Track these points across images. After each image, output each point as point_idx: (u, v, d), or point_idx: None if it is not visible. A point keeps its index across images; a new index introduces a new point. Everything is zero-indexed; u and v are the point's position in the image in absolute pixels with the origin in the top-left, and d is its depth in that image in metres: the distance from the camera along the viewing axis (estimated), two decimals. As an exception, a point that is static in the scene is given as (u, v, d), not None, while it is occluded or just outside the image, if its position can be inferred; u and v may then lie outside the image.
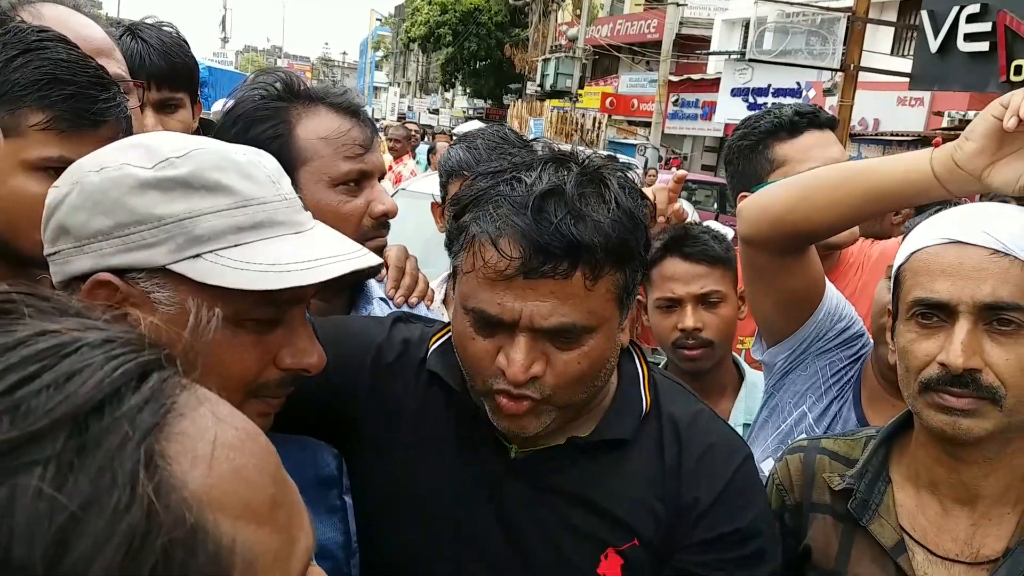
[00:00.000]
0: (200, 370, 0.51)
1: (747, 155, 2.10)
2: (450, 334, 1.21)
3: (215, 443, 0.47)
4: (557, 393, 1.07)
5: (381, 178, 1.46)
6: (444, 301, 2.03)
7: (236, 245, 0.89)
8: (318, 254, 0.93)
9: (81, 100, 1.14)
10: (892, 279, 1.27)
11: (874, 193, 1.38)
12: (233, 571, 0.45)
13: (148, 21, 2.05)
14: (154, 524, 0.41)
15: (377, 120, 10.50)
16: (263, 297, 0.89)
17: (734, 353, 2.10)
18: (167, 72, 1.93)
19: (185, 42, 2.06)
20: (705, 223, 2.20)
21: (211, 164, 0.90)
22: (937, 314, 1.16)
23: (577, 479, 1.15)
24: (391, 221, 1.47)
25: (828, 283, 1.68)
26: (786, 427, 1.74)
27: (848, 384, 1.71)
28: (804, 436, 1.67)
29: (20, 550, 0.38)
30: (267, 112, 1.37)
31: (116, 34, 1.70)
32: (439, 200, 2.21)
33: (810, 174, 1.52)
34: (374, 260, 1.00)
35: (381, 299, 1.55)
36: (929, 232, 1.20)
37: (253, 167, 0.93)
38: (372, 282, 1.56)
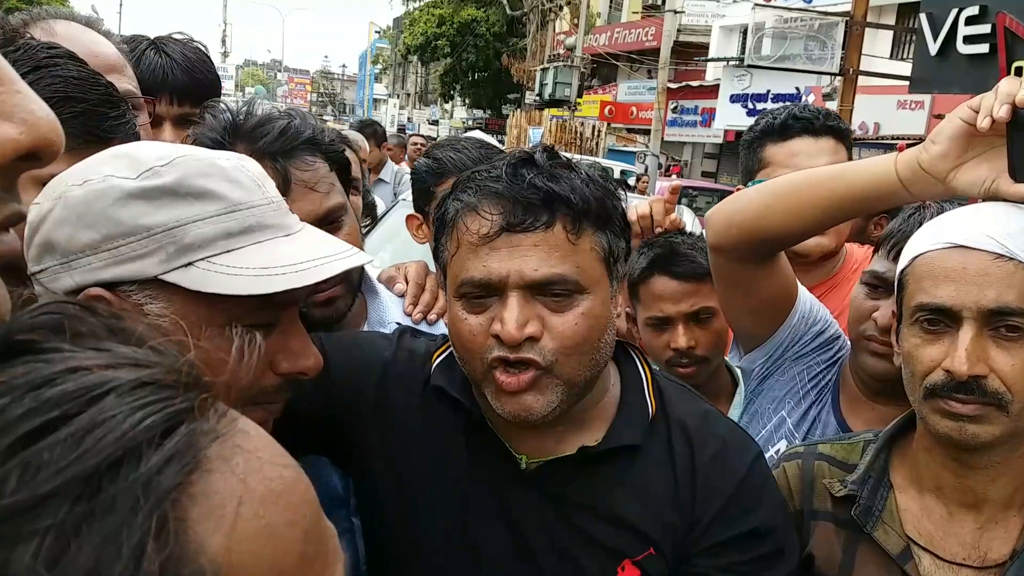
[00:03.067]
0: None
1: (746, 151, 2.13)
2: (450, 349, 1.21)
3: (243, 500, 0.44)
4: (560, 361, 1.06)
5: (324, 221, 1.30)
6: None
7: (227, 251, 0.88)
8: (310, 255, 0.92)
9: (91, 117, 1.13)
10: (896, 282, 1.25)
11: (839, 199, 1.37)
12: None
13: (176, 36, 2.06)
14: None
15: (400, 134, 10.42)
16: (258, 301, 0.88)
17: (727, 359, 2.08)
18: (188, 87, 1.94)
19: (210, 59, 2.06)
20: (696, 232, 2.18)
21: (196, 171, 0.89)
22: (942, 319, 1.15)
23: (589, 489, 1.14)
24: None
25: (801, 287, 1.67)
26: (766, 433, 1.73)
27: (826, 388, 1.70)
28: (784, 441, 1.66)
29: None
30: None
31: (128, 50, 1.70)
32: (416, 212, 2.13)
33: (775, 181, 1.51)
34: (365, 258, 1.00)
35: (397, 323, 1.49)
36: (932, 236, 1.19)
37: (238, 172, 0.92)
38: (388, 305, 1.53)
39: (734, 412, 1.96)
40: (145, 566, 0.38)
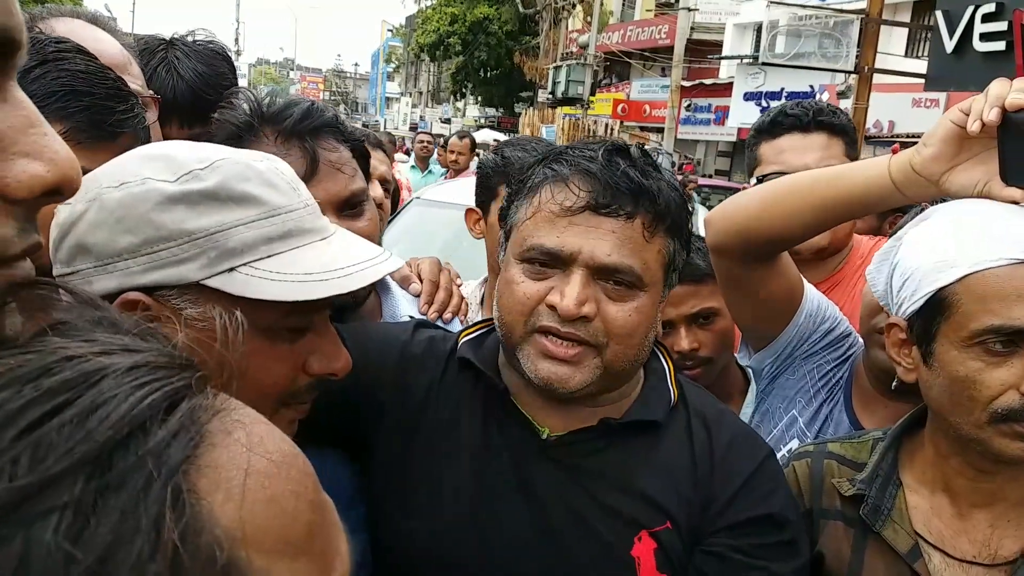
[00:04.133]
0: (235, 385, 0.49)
1: (748, 148, 2.15)
2: (480, 331, 1.26)
3: (248, 472, 0.44)
4: (609, 346, 1.09)
5: (347, 205, 1.32)
6: (482, 302, 2.00)
7: (269, 256, 0.88)
8: (352, 260, 0.93)
9: (99, 111, 1.13)
10: (926, 298, 1.17)
11: (833, 201, 1.37)
12: None
13: (192, 38, 1.96)
14: (180, 572, 0.39)
15: (390, 132, 10.42)
16: (298, 306, 0.88)
17: (738, 357, 2.07)
18: (197, 109, 1.84)
19: (226, 66, 1.97)
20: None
21: (236, 175, 0.89)
22: (1015, 340, 1.09)
23: (610, 461, 1.16)
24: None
25: (808, 285, 1.66)
26: (777, 432, 1.72)
27: (838, 386, 1.69)
28: (796, 440, 1.65)
29: None
30: None
31: (137, 49, 1.67)
32: (475, 207, 2.12)
33: (772, 183, 1.51)
34: (400, 263, 1.03)
35: (410, 318, 1.51)
36: (984, 250, 1.11)
37: (274, 175, 0.93)
38: (401, 301, 1.53)
39: (746, 411, 1.95)
40: (165, 535, 0.39)
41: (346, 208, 1.31)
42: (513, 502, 1.15)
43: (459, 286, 1.72)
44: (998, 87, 1.15)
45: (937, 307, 1.15)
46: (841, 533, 1.28)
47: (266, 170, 0.92)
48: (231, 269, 0.86)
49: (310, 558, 0.47)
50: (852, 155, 2.04)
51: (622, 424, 1.17)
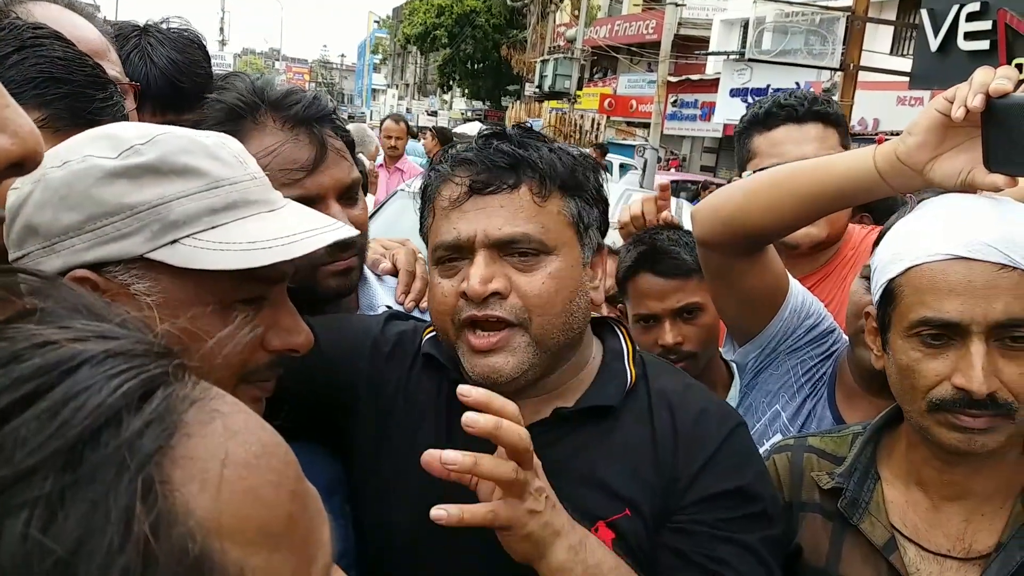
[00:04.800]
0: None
1: (738, 142, 2.13)
2: None
3: (226, 462, 0.43)
4: (532, 319, 1.09)
5: (346, 193, 1.32)
6: None
7: (213, 227, 0.88)
8: (297, 228, 0.92)
9: (78, 99, 1.11)
10: (881, 289, 1.22)
11: (818, 192, 1.38)
12: None
13: (166, 25, 1.96)
14: (151, 564, 0.38)
15: (373, 127, 10.23)
16: (246, 277, 0.87)
17: (723, 352, 2.08)
18: (170, 99, 1.85)
19: (200, 54, 1.95)
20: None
21: (178, 148, 0.88)
22: (946, 333, 1.13)
23: (563, 451, 1.15)
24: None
25: (793, 280, 1.66)
26: (760, 427, 1.73)
27: (821, 381, 1.70)
28: (779, 435, 1.66)
29: None
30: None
31: (113, 34, 1.65)
32: None
33: (757, 176, 1.51)
34: (350, 231, 1.00)
35: (387, 307, 1.51)
36: (926, 245, 1.15)
37: (219, 148, 0.92)
38: (377, 290, 1.53)
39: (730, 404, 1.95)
40: (135, 528, 0.38)
41: (346, 197, 1.32)
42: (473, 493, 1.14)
43: None
44: (982, 75, 1.16)
45: (889, 297, 1.20)
46: (819, 526, 1.28)
47: (211, 144, 0.92)
48: (174, 241, 0.86)
49: (291, 549, 0.46)
50: (846, 146, 2.03)
51: (575, 411, 1.16)
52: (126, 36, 1.87)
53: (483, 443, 1.16)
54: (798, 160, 1.68)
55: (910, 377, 1.16)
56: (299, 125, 1.27)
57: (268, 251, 0.87)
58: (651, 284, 1.87)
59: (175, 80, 1.87)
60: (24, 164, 0.49)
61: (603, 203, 1.19)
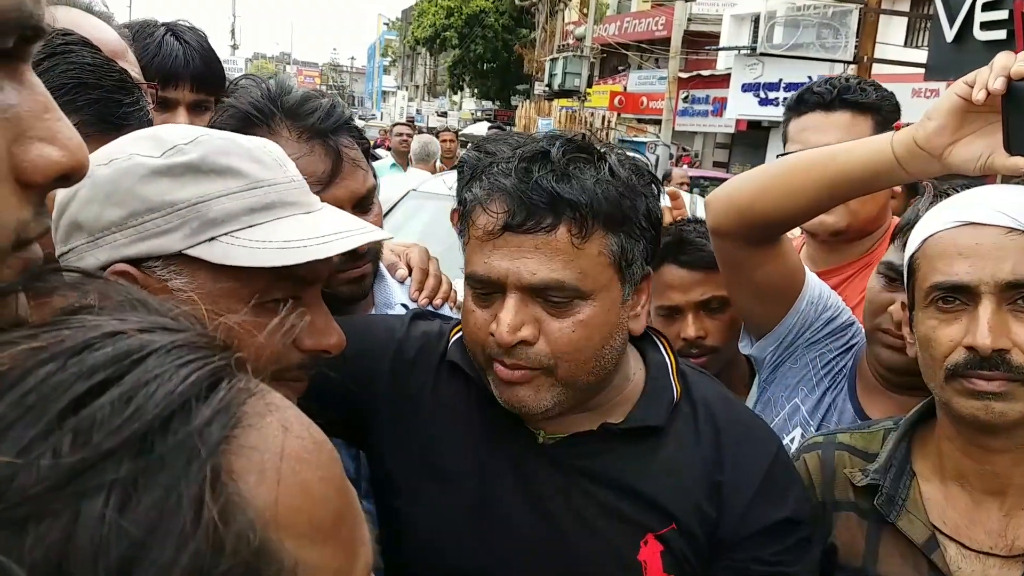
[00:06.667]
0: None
1: (782, 127, 2.11)
2: None
3: (282, 456, 0.44)
4: (559, 366, 1.05)
5: (361, 204, 1.32)
6: None
7: (250, 226, 0.89)
8: (331, 229, 0.94)
9: (107, 104, 1.12)
10: (906, 268, 1.24)
11: (835, 179, 1.36)
12: None
13: (183, 23, 2.08)
14: (219, 549, 0.39)
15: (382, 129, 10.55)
16: (281, 276, 0.89)
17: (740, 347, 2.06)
18: (206, 76, 1.97)
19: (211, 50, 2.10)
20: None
21: (219, 149, 0.90)
22: (959, 297, 1.14)
23: (611, 464, 1.14)
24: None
25: (810, 273, 1.65)
26: (779, 421, 1.71)
27: (841, 374, 1.68)
28: (799, 429, 1.65)
29: None
30: None
31: (130, 35, 1.68)
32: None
33: (772, 163, 1.50)
34: (383, 234, 1.02)
35: (403, 305, 1.52)
36: (939, 217, 1.18)
37: (260, 151, 0.94)
38: (394, 288, 1.53)
39: (748, 402, 1.94)
40: (206, 514, 0.39)
41: (361, 204, 1.32)
42: (515, 504, 1.14)
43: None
44: (1004, 58, 1.16)
45: (910, 274, 1.23)
46: (855, 524, 1.27)
47: (252, 147, 0.94)
48: (212, 239, 0.88)
49: (337, 544, 0.47)
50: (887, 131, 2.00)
51: (623, 429, 1.15)
52: (150, 30, 1.96)
53: (524, 461, 1.16)
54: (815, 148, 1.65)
55: (929, 347, 1.17)
56: (315, 137, 1.26)
57: (303, 250, 0.89)
58: (675, 275, 1.85)
59: (209, 59, 1.99)
60: (71, 176, 0.51)
61: (653, 231, 1.12)
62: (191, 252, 0.88)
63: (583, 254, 1.04)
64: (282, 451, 0.45)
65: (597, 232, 1.04)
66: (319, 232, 0.92)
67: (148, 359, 0.43)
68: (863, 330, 1.67)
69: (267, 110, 1.27)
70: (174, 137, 0.90)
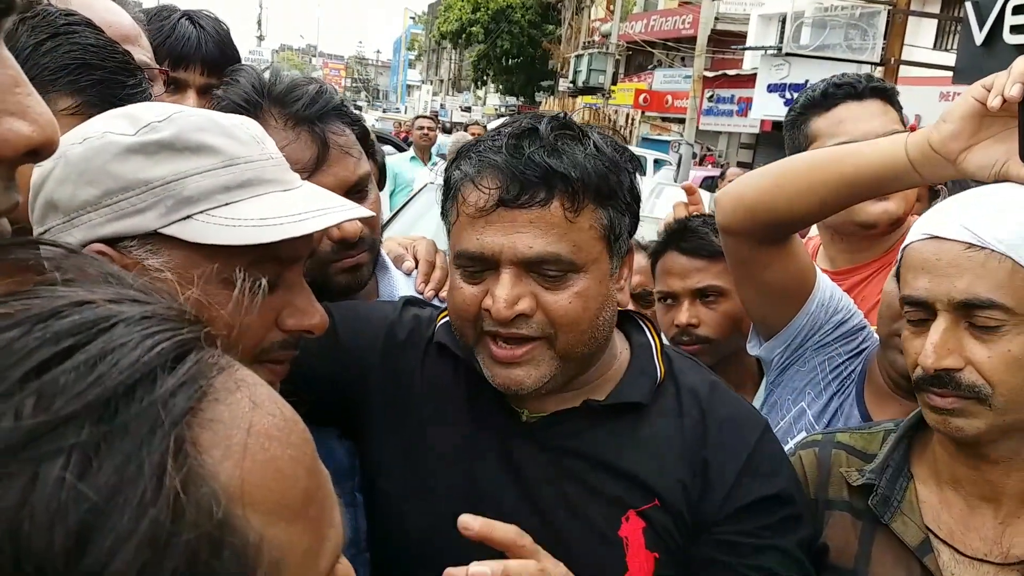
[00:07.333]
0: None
1: (791, 131, 2.07)
2: None
3: (250, 432, 0.44)
4: (558, 336, 1.07)
5: (354, 188, 1.30)
6: None
7: (226, 204, 0.88)
8: (310, 207, 0.92)
9: (109, 85, 1.13)
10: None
11: (846, 180, 1.34)
12: (258, 571, 0.43)
13: (205, 11, 2.11)
14: (179, 519, 0.39)
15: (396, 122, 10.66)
16: (259, 255, 0.88)
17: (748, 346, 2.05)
18: (218, 61, 1.97)
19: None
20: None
21: (194, 126, 0.89)
22: (922, 312, 1.13)
23: (593, 442, 1.14)
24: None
25: (821, 274, 1.62)
26: (785, 424, 1.69)
27: (850, 379, 1.66)
28: (804, 433, 1.62)
29: (39, 543, 0.36)
30: None
31: (145, 19, 1.71)
32: None
33: (784, 161, 1.48)
34: (364, 212, 1.00)
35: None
36: (918, 227, 1.16)
37: (237, 128, 0.93)
38: (398, 281, 1.53)
39: (754, 404, 1.93)
40: (167, 483, 0.39)
41: (354, 192, 1.30)
42: (498, 483, 1.15)
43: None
44: (1022, 64, 1.14)
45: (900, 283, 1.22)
46: (848, 524, 1.25)
47: (228, 124, 0.92)
48: (187, 217, 0.87)
49: (305, 524, 0.47)
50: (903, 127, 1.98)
51: (605, 406, 1.15)
52: (166, 14, 1.99)
53: (508, 440, 1.16)
54: (862, 137, 1.63)
55: (906, 358, 1.18)
56: (300, 124, 1.26)
57: (279, 227, 0.88)
58: (675, 262, 1.87)
59: (223, 44, 2.00)
60: (41, 151, 0.51)
61: (636, 205, 1.14)
62: (166, 231, 0.86)
63: (576, 227, 1.05)
64: (250, 426, 0.44)
65: (588, 206, 1.06)
66: (296, 210, 0.90)
67: (115, 328, 0.42)
68: (874, 335, 1.65)
69: (255, 100, 1.27)
70: (148, 115, 0.89)
